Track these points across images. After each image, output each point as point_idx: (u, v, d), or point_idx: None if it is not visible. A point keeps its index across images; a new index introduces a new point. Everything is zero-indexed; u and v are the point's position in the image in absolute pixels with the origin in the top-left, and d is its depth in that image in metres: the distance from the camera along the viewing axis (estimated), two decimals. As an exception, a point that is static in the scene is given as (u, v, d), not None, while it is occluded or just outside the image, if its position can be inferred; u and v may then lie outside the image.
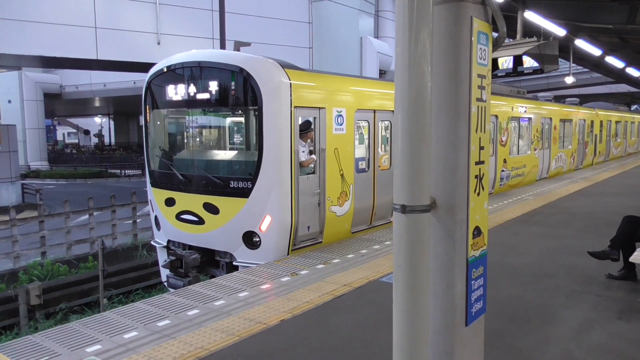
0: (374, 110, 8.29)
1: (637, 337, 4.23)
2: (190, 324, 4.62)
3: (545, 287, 5.55)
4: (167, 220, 7.53)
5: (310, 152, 7.24)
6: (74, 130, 67.86)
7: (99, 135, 56.87)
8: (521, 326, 4.48)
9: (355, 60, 21.63)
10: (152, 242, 8.26)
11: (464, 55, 1.85)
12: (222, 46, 15.68)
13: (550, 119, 16.08)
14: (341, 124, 7.57)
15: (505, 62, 8.97)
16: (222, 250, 7.07)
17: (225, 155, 7.80)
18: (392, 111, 8.51)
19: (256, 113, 6.68)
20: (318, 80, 7.55)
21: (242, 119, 7.80)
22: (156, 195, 7.74)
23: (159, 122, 8.08)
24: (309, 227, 7.17)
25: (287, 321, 4.64)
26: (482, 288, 2.11)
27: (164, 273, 7.80)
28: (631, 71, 19.50)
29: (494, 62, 9.25)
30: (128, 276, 11.00)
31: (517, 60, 8.68)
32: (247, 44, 8.22)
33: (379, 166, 8.56)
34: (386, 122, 8.72)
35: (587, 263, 6.41)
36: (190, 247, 7.37)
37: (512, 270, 6.13)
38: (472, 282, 2.03)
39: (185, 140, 8.16)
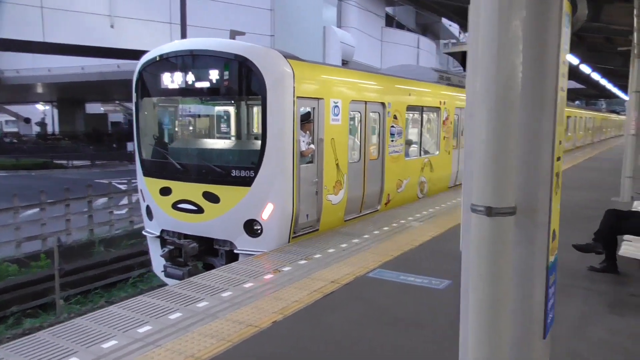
0: (366, 101, 8.47)
1: (635, 332, 4.24)
2: (175, 329, 4.30)
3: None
4: (162, 209, 7.42)
5: (309, 142, 7.32)
6: (13, 119, 64.29)
7: (42, 123, 54.09)
8: (520, 323, 4.42)
9: (318, 50, 21.39)
10: (143, 232, 8.14)
11: (551, 39, 1.67)
12: (183, 32, 15.06)
13: None
14: (337, 115, 7.71)
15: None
16: (222, 238, 7.07)
17: (227, 144, 7.96)
18: (382, 103, 8.52)
19: (260, 103, 6.74)
20: (317, 71, 7.69)
21: (245, 109, 8.02)
22: (149, 185, 7.61)
23: (154, 111, 7.98)
24: (307, 216, 7.31)
25: (279, 323, 4.40)
26: (554, 296, 1.95)
27: (157, 263, 7.74)
28: (584, 68, 20.17)
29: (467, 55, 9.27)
30: (86, 275, 10.41)
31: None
32: (242, 33, 8.03)
33: (369, 156, 8.75)
34: (376, 114, 8.85)
35: (568, 256, 6.46)
36: (186, 236, 7.26)
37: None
38: (549, 290, 1.86)
39: (185, 130, 8.32)
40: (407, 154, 10.12)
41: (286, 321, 4.43)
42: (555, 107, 1.70)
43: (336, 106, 7.67)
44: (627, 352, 3.92)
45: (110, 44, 19.01)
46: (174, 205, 7.26)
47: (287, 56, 6.93)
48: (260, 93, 6.65)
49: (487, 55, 1.51)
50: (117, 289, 10.37)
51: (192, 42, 7.35)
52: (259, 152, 6.75)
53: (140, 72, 7.63)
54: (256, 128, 7.14)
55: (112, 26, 18.21)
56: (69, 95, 44.78)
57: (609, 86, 30.66)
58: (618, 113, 61.93)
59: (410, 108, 10.09)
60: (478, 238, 1.56)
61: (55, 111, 53.95)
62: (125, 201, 14.14)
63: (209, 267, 7.19)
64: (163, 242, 7.59)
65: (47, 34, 18.37)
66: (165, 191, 7.35)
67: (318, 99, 7.30)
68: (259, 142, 6.82)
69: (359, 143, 8.54)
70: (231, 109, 8.39)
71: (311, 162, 7.36)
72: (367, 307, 4.79)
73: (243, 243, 6.94)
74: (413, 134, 10.71)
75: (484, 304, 1.55)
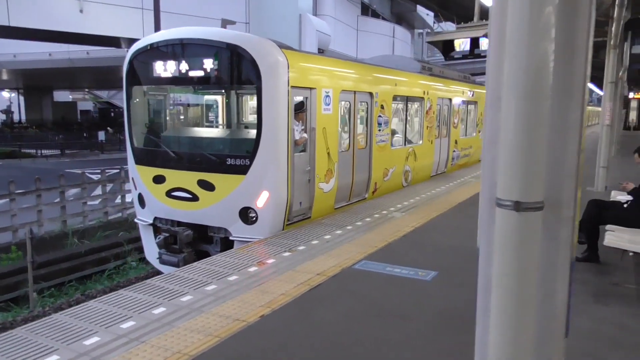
0: (355, 91, 8.61)
1: (620, 321, 4.29)
2: (159, 324, 4.17)
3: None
4: (155, 197, 7.49)
5: (302, 131, 7.42)
6: (-24, 106, 62.06)
7: (7, 111, 52.35)
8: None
9: (294, 38, 21.09)
10: (135, 220, 8.17)
11: (582, 24, 1.59)
12: (157, 18, 14.63)
13: None
14: (329, 105, 7.85)
15: (462, 44, 8.99)
16: (217, 226, 7.16)
17: (222, 132, 8.13)
18: (370, 93, 8.92)
19: (255, 92, 6.79)
20: (310, 60, 7.76)
21: (240, 98, 8.22)
22: (142, 173, 7.65)
23: (146, 100, 8.01)
24: (300, 203, 7.48)
25: (267, 317, 4.30)
26: (573, 292, 1.91)
27: (150, 250, 7.90)
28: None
29: (451, 43, 9.28)
30: (60, 267, 10.09)
31: (474, 42, 8.74)
32: (232, 22, 8.18)
33: (358, 145, 8.91)
34: (364, 103, 9.02)
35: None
36: (180, 224, 7.37)
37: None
38: (571, 286, 1.81)
39: (179, 118, 8.42)
40: (392, 144, 10.28)
41: (274, 315, 4.34)
42: (584, 96, 1.63)
43: (327, 96, 7.80)
44: (613, 340, 3.96)
45: (79, 30, 18.40)
46: (168, 193, 7.33)
47: (281, 46, 7.00)
48: (256, 82, 6.70)
49: (517, 43, 1.43)
50: (92, 282, 10.10)
51: (185, 31, 7.26)
52: (254, 140, 6.83)
53: (131, 61, 7.58)
54: (251, 117, 7.31)
55: (81, 11, 17.59)
56: (35, 83, 43.43)
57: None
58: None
59: (396, 98, 10.25)
60: (504, 234, 1.49)
61: (22, 99, 52.25)
62: (99, 191, 13.77)
63: (203, 254, 7.20)
64: (156, 230, 7.67)
65: (12, 18, 17.63)
66: (159, 179, 7.41)
67: (311, 88, 7.41)
68: (254, 131, 6.90)
69: (348, 132, 8.66)
70: (226, 98, 8.41)
71: (304, 150, 7.46)
72: (354, 299, 4.73)
73: (238, 230, 7.04)
74: (398, 123, 10.88)
75: (509, 302, 1.49)
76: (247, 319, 4.25)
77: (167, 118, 8.32)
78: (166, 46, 7.27)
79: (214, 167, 7.02)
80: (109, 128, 40.07)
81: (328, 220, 7.82)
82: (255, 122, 6.91)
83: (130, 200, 14.19)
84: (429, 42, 9.93)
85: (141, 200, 7.79)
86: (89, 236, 11.78)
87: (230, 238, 7.11)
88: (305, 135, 7.44)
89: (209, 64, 6.90)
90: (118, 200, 13.77)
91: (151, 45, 7.35)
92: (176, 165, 7.28)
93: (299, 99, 7.29)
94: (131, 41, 23.02)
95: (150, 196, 7.57)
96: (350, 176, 8.73)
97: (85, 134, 37.61)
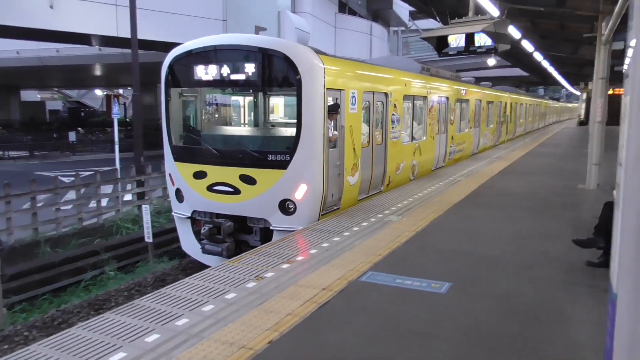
0: (373, 92, 9.31)
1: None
2: (154, 354, 3.64)
3: (534, 278, 5.23)
4: (196, 192, 8.03)
5: (333, 129, 8.01)
6: (-60, 106, 59.34)
7: (-28, 112, 50.18)
8: (540, 328, 4.04)
9: (273, 36, 20.53)
10: (173, 213, 8.71)
11: None
12: (133, 15, 13.91)
13: (480, 100, 17.73)
14: (354, 104, 8.47)
15: (456, 40, 8.61)
16: (257, 217, 7.72)
17: (264, 131, 8.91)
18: (385, 93, 9.65)
19: (295, 93, 7.39)
20: (340, 64, 8.34)
21: (282, 99, 9.19)
22: (181, 169, 8.19)
23: (190, 102, 8.69)
24: (332, 195, 8.07)
25: (276, 342, 3.82)
26: None
27: (187, 242, 8.53)
28: (537, 56, 20.42)
29: (444, 40, 8.88)
30: (33, 278, 9.37)
31: (469, 38, 8.36)
32: (264, 29, 9.15)
33: (375, 142, 9.55)
34: (380, 102, 9.66)
35: (559, 249, 6.25)
36: (218, 216, 7.94)
37: (492, 261, 5.76)
38: None
39: (221, 118, 9.27)
40: (402, 140, 10.94)
41: (284, 340, 3.86)
42: None
43: (353, 96, 8.45)
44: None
45: (49, 26, 17.45)
46: (209, 188, 7.90)
47: (317, 51, 7.72)
48: (296, 85, 7.32)
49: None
50: (67, 294, 9.41)
51: (228, 37, 7.99)
52: (294, 138, 7.44)
53: (171, 65, 8.16)
54: (290, 116, 7.97)
55: (51, 7, 16.66)
56: (2, 81, 41.63)
57: (555, 74, 31.43)
58: (558, 100, 64.61)
59: (405, 97, 10.94)
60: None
61: (-13, 98, 50.12)
62: (72, 196, 12.99)
63: (242, 244, 7.88)
64: (193, 222, 8.33)
65: (-24, 14, 16.60)
66: (200, 175, 7.98)
67: (340, 89, 8.05)
68: (294, 129, 7.50)
69: (368, 130, 9.27)
70: (270, 99, 9.27)
71: (335, 147, 8.04)
72: (368, 317, 4.28)
73: (278, 220, 7.64)
74: (407, 121, 11.47)
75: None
76: (254, 345, 3.76)
77: (209, 118, 9.13)
78: (210, 52, 7.79)
79: (255, 163, 7.62)
80: (79, 128, 38.71)
81: (323, 226, 7.37)
82: (295, 121, 7.50)
83: (105, 204, 13.50)
84: (423, 38, 9.54)
85: (179, 195, 8.35)
86: (63, 244, 11.05)
87: (271, 228, 7.65)
88: (336, 132, 8.02)
89: (254, 68, 7.51)
90: (93, 204, 13.01)
91: (192, 51, 7.93)
92: (218, 161, 7.88)
93: (335, 100, 7.92)
94: (103, 39, 22.18)
95: (190, 191, 8.11)
96: (370, 170, 9.36)
97: (55, 135, 36.21)
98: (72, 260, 10.28)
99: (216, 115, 9.31)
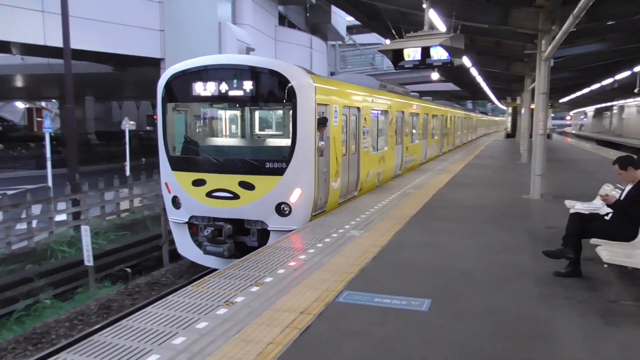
0: (349, 106, 10.50)
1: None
2: (127, 401, 3.20)
3: (510, 292, 5.21)
4: (195, 198, 8.79)
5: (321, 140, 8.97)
6: None
7: None
8: (533, 345, 3.97)
9: (214, 48, 20.04)
10: (170, 220, 9.44)
11: None
12: (65, 23, 13.06)
13: (427, 114, 19.27)
14: (336, 118, 9.62)
15: (412, 53, 8.66)
16: (255, 219, 8.62)
17: (262, 142, 9.88)
18: (358, 107, 10.88)
19: (291, 108, 8.44)
20: (326, 82, 9.62)
21: (279, 113, 10.19)
22: (179, 178, 8.95)
23: (189, 115, 9.56)
24: (321, 198, 9.12)
25: (264, 378, 3.49)
26: None
27: (184, 245, 9.34)
28: (473, 71, 21.24)
29: (399, 53, 8.92)
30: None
31: (425, 52, 8.43)
32: (252, 49, 11.35)
33: (350, 151, 10.65)
34: (354, 116, 10.80)
35: (525, 261, 6.33)
36: (216, 219, 8.69)
37: (465, 276, 5.70)
38: None
39: (222, 130, 10.33)
40: (371, 150, 12.21)
41: (272, 374, 3.54)
42: None
43: (335, 110, 9.62)
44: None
45: (-33, 32, 16.09)
46: (209, 194, 8.66)
47: (308, 71, 8.93)
48: (292, 100, 8.34)
49: None
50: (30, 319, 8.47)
51: (229, 58, 9.50)
52: (289, 148, 8.45)
53: (170, 81, 8.97)
54: (289, 129, 8.79)
55: (-29, 11, 15.35)
56: None
57: (486, 89, 32.86)
58: (486, 113, 67.82)
59: (372, 111, 12.20)
60: None
61: None
62: (-2, 217, 11.86)
63: (240, 245, 8.67)
64: (190, 227, 9.08)
65: None
66: (199, 182, 8.73)
67: (326, 105, 9.14)
68: (289, 140, 8.54)
69: (345, 140, 10.28)
70: (267, 113, 10.49)
71: (322, 155, 9.01)
72: (357, 342, 4.04)
73: (275, 222, 8.55)
74: (373, 133, 12.57)
75: None
76: (240, 382, 3.41)
77: (209, 130, 10.12)
78: (210, 70, 8.69)
79: (254, 170, 8.53)
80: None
81: (285, 244, 7.08)
82: (291, 132, 8.51)
83: (35, 225, 12.44)
84: (380, 51, 9.77)
85: (175, 202, 9.09)
86: (-11, 272, 10.01)
87: (268, 229, 8.55)
88: (323, 142, 9.02)
89: (253, 85, 8.48)
90: (22, 226, 11.95)
91: (194, 69, 8.78)
92: (218, 169, 8.71)
93: (323, 115, 8.95)
94: (26, 47, 20.74)
95: (189, 197, 8.85)
96: (347, 176, 10.48)
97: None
98: (0, 289, 9.31)
99: (216, 128, 10.31)
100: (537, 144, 10.84)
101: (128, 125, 19.81)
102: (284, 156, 8.48)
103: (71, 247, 11.65)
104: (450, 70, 23.81)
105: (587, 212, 5.81)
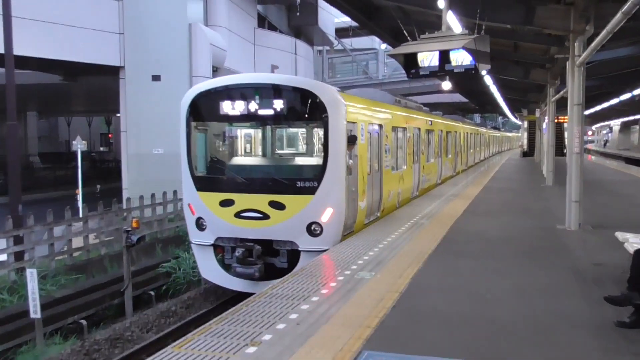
0: (373, 124, 11.89)
1: None
2: None
3: (566, 348, 4.99)
4: (222, 219, 9.87)
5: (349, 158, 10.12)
6: None
7: None
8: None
9: (184, 53, 19.93)
10: (193, 242, 10.58)
11: None
12: (7, 25, 12.84)
13: (442, 131, 20.45)
14: (362, 136, 10.82)
15: (428, 59, 8.54)
16: (285, 239, 9.67)
17: (293, 160, 11.23)
18: (380, 124, 12.46)
19: (323, 127, 9.63)
20: (353, 100, 10.89)
21: (311, 132, 11.26)
22: (206, 199, 10.03)
23: (216, 135, 10.99)
24: (350, 218, 10.22)
25: None
26: None
27: (207, 268, 10.52)
28: (487, 79, 21.35)
29: (413, 58, 8.79)
30: None
31: (444, 56, 8.31)
32: (277, 67, 13.08)
33: (374, 170, 11.93)
34: (377, 133, 12.16)
35: (572, 306, 6.16)
36: (242, 240, 9.73)
37: (503, 327, 5.49)
38: None
39: (251, 149, 11.78)
40: (392, 169, 13.50)
41: None
42: None
43: (362, 128, 10.84)
44: None
45: None
46: (237, 214, 9.74)
47: (338, 90, 10.31)
48: (323, 119, 9.52)
49: None
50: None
51: (261, 77, 11.02)
52: (321, 166, 9.61)
53: (195, 100, 10.15)
54: (320, 147, 10.16)
55: None
56: None
57: (500, 99, 33.16)
58: (498, 129, 68.69)
59: (393, 129, 13.54)
60: None
61: None
62: None
63: (268, 266, 9.69)
64: (215, 249, 10.17)
65: None
66: (227, 202, 9.80)
67: (354, 122, 10.40)
68: (321, 158, 9.72)
69: (369, 159, 11.52)
70: (299, 132, 11.77)
71: (350, 174, 10.13)
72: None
73: (306, 242, 9.61)
74: (393, 151, 13.73)
75: None
76: None
77: (238, 149, 11.56)
78: (241, 88, 10.00)
79: (285, 189, 9.62)
80: None
81: (281, 291, 6.80)
82: (322, 150, 9.73)
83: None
84: (390, 56, 9.95)
85: (199, 224, 10.19)
86: None
87: (299, 249, 9.61)
88: (351, 161, 10.16)
89: (286, 104, 9.76)
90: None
91: (228, 86, 10.11)
92: (246, 189, 9.83)
93: (353, 133, 10.21)
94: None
95: (216, 218, 9.94)
96: (372, 196, 11.64)
97: None
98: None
99: (245, 147, 11.72)
100: (572, 165, 10.75)
101: (80, 145, 19.45)
102: (315, 175, 9.66)
103: (13, 294, 11.22)
104: (460, 79, 23.94)
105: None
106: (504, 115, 70.25)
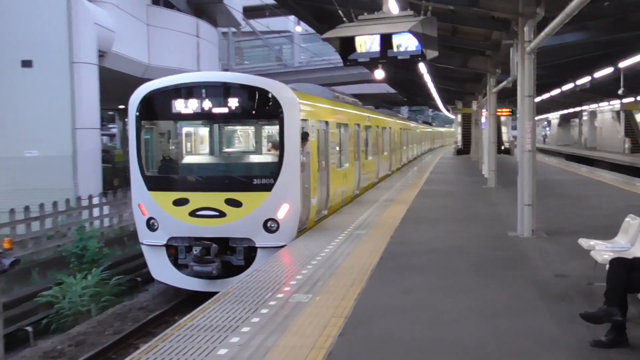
0: (320, 121, 13.65)
1: None
2: None
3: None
4: (176, 218, 11.16)
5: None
6: None
7: None
8: None
9: (61, 35, 18.98)
10: (143, 243, 11.85)
11: None
12: None
13: (378, 127, 23.09)
14: (313, 133, 12.63)
15: (368, 43, 8.56)
16: (242, 237, 11.05)
17: (249, 157, 13.16)
18: (326, 121, 14.76)
19: (278, 124, 11.23)
20: (306, 98, 12.77)
21: (265, 129, 13.33)
22: (158, 199, 11.33)
23: (169, 132, 12.60)
24: (304, 214, 11.92)
25: None
26: None
27: (159, 270, 11.82)
28: (422, 67, 21.88)
29: (350, 43, 8.77)
30: None
31: (386, 41, 8.36)
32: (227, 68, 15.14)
33: (321, 167, 13.66)
34: (323, 130, 14.04)
35: (543, 326, 6.30)
36: (196, 239, 11.02)
37: (474, 353, 5.54)
38: None
39: (207, 147, 13.56)
40: (337, 167, 15.60)
41: None
42: None
43: (312, 125, 12.69)
44: None
45: None
46: (193, 213, 11.06)
47: (292, 88, 12.19)
48: (279, 117, 11.11)
49: None
50: None
51: (214, 75, 13.31)
52: (277, 163, 11.17)
53: (149, 97, 11.47)
54: (271, 144, 12.33)
55: None
56: None
57: (433, 90, 34.09)
58: (430, 124, 70.77)
59: (337, 125, 15.62)
60: None
61: None
62: None
63: (224, 264, 11.02)
64: (167, 249, 11.42)
65: None
66: (181, 202, 11.11)
67: (306, 119, 12.22)
68: (277, 155, 11.33)
69: (318, 156, 13.36)
70: (254, 129, 13.69)
71: (303, 171, 11.75)
72: None
73: (262, 239, 11.05)
74: (336, 148, 15.76)
75: None
76: None
77: (192, 147, 13.45)
78: (195, 87, 11.37)
79: (241, 187, 11.14)
80: None
81: (204, 321, 6.57)
82: (278, 148, 11.33)
83: None
84: (324, 39, 9.72)
85: (151, 225, 11.43)
86: None
87: (256, 246, 11.05)
88: (304, 158, 11.83)
89: (241, 102, 11.27)
90: None
91: (179, 84, 11.51)
92: (202, 187, 11.35)
93: (305, 130, 11.94)
94: None
95: (169, 218, 11.22)
96: (321, 193, 13.55)
97: None
98: None
99: (199, 145, 13.55)
100: (524, 164, 11.15)
101: None
102: (272, 172, 11.19)
103: None
104: (393, 68, 24.36)
105: (630, 257, 5.88)
106: (435, 108, 72.50)
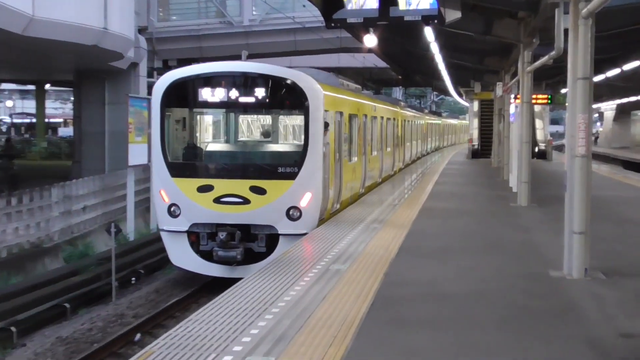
0: (335, 111, 18.71)
1: None
2: None
3: None
4: (200, 204, 16.41)
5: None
6: None
7: None
8: None
9: None
10: (164, 229, 17.19)
11: None
12: None
13: (383, 117, 28.71)
14: (332, 124, 17.93)
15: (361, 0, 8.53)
16: (265, 224, 16.39)
17: (275, 147, 19.24)
18: (340, 112, 21.73)
19: (303, 114, 16.74)
20: (327, 89, 17.78)
21: (292, 119, 20.12)
22: (182, 185, 16.63)
23: (197, 121, 19.13)
24: (324, 204, 17.17)
25: None
26: None
27: (179, 256, 17.28)
28: (429, 35, 21.94)
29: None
30: None
31: (387, -4, 8.32)
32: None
33: (336, 158, 18.94)
34: (338, 121, 19.06)
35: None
36: (218, 226, 16.23)
37: None
38: None
39: (232, 135, 20.04)
40: (349, 159, 21.58)
41: None
42: None
43: (331, 117, 17.88)
44: None
45: None
46: (217, 200, 16.22)
47: (317, 79, 17.21)
48: (304, 107, 16.52)
49: None
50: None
51: (241, 65, 18.07)
52: (301, 152, 16.71)
53: (173, 86, 16.97)
54: (301, 134, 17.43)
55: None
56: None
57: (441, 65, 34.19)
58: (439, 114, 71.37)
59: (350, 117, 21.30)
60: None
61: None
62: None
63: (245, 251, 16.28)
64: (189, 236, 16.74)
65: None
66: (206, 188, 16.34)
67: (327, 110, 17.28)
68: (302, 144, 16.96)
69: (335, 148, 18.80)
70: (280, 119, 20.04)
71: (324, 161, 16.75)
72: None
73: (285, 226, 16.32)
74: (349, 140, 21.52)
75: None
76: None
77: (218, 135, 20.39)
78: (224, 76, 16.96)
79: (266, 175, 16.51)
80: None
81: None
82: (302, 137, 17.00)
83: None
84: None
85: (172, 211, 16.60)
86: None
87: (279, 233, 16.26)
88: (324, 148, 16.77)
89: (268, 92, 16.69)
90: None
91: (208, 73, 17.21)
92: (227, 174, 16.72)
93: (325, 120, 16.95)
94: None
95: (193, 204, 16.42)
96: (336, 184, 18.69)
97: None
98: None
99: (225, 133, 19.98)
100: (576, 174, 11.01)
101: None
102: (296, 160, 16.55)
103: None
104: (392, 33, 24.41)
105: None
106: (442, 91, 73.01)
